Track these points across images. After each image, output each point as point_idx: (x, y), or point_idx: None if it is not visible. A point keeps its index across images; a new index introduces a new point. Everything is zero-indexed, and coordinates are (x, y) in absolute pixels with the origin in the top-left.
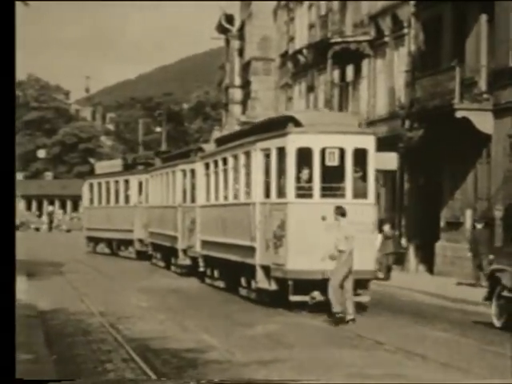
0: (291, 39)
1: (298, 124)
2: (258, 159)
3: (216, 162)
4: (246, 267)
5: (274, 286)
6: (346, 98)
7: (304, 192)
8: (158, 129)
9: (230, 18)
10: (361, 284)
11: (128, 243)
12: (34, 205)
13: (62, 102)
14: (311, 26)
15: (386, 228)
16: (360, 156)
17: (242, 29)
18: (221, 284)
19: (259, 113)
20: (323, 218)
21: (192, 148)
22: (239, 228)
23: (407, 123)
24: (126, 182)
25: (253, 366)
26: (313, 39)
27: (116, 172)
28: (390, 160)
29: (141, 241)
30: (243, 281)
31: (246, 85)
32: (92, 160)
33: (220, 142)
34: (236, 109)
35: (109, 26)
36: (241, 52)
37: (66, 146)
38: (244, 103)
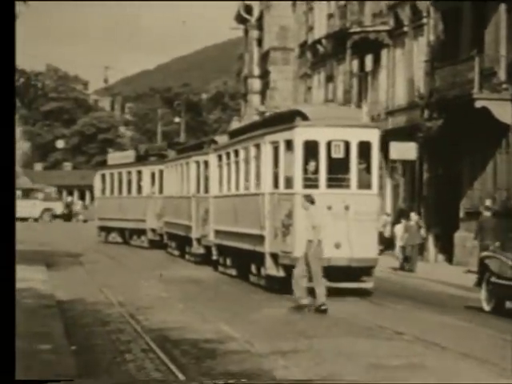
0: (310, 29)
1: (305, 118)
2: (267, 151)
3: (228, 154)
4: (256, 255)
5: (282, 273)
6: (364, 88)
7: (311, 183)
8: (177, 119)
9: (248, 8)
10: (364, 271)
11: (140, 232)
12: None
13: (80, 93)
14: (330, 16)
15: (414, 217)
16: (364, 148)
17: (260, 19)
18: (233, 272)
19: (278, 103)
20: (329, 208)
21: (205, 140)
22: (250, 217)
23: (426, 113)
24: (139, 172)
25: (272, 357)
26: (332, 29)
27: (128, 163)
28: (409, 150)
29: (153, 230)
30: (253, 268)
31: (264, 75)
32: (111, 150)
33: (232, 134)
34: (255, 99)
35: (127, 15)
36: (259, 42)
37: (84, 136)
38: (263, 93)
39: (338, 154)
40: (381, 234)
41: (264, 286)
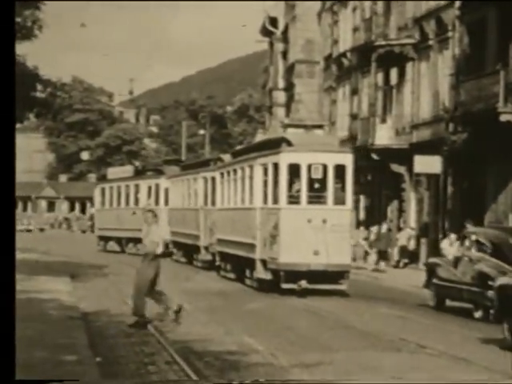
0: (335, 42)
1: (289, 144)
2: (258, 172)
3: (229, 172)
4: (249, 261)
5: (269, 276)
6: (389, 102)
7: (294, 199)
8: (202, 131)
9: (274, 21)
10: (339, 275)
11: (136, 241)
12: (78, 207)
13: (105, 104)
14: (355, 29)
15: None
16: (340, 170)
17: (286, 31)
18: (231, 275)
19: (303, 116)
20: (309, 221)
21: (212, 158)
22: (244, 228)
23: (451, 127)
24: (136, 186)
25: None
26: (357, 42)
27: (127, 177)
28: (434, 164)
29: None
30: (248, 272)
31: (289, 87)
32: (136, 162)
33: (235, 154)
34: (280, 111)
35: (153, 28)
36: (285, 55)
37: (109, 148)
38: (288, 106)
39: (317, 174)
40: (405, 248)
41: (255, 288)
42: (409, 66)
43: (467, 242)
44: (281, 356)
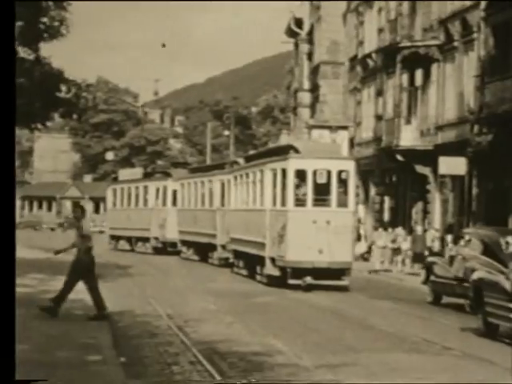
0: (360, 43)
1: (297, 151)
2: (268, 176)
3: (241, 176)
4: (260, 258)
5: (277, 273)
6: (414, 103)
7: (300, 202)
8: (226, 132)
9: (299, 22)
10: (341, 272)
11: (145, 240)
12: (102, 207)
13: (130, 105)
14: (380, 30)
15: None
16: (343, 176)
17: (311, 32)
18: (244, 272)
19: (328, 117)
20: (314, 222)
21: (227, 161)
22: (256, 228)
23: (476, 128)
24: (145, 187)
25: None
26: (382, 43)
27: (136, 179)
28: (459, 165)
29: (156, 238)
30: (258, 269)
31: (314, 88)
32: (160, 162)
33: (247, 159)
34: (305, 112)
35: (179, 28)
36: (310, 56)
37: (134, 148)
38: (313, 107)
39: (322, 179)
40: (430, 250)
41: (265, 283)
42: (434, 68)
43: (462, 242)
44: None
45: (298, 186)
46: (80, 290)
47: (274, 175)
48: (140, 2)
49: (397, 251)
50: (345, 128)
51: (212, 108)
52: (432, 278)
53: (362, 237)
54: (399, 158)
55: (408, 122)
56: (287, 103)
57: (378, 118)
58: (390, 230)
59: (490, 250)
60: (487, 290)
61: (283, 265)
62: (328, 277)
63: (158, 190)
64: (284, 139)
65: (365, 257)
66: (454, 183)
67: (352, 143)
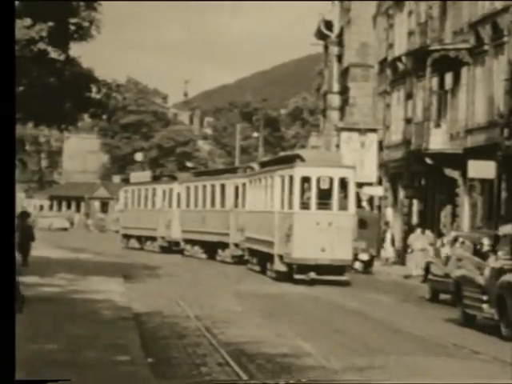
0: (390, 46)
1: (302, 160)
2: (277, 182)
3: (256, 181)
4: (270, 256)
5: (284, 268)
6: (444, 106)
7: (305, 205)
8: (255, 134)
9: (329, 24)
10: (342, 268)
11: (153, 239)
12: None
13: (160, 106)
14: (410, 33)
15: None
16: (343, 182)
17: (340, 35)
18: (257, 268)
19: (357, 119)
20: (317, 223)
21: (240, 166)
22: (266, 228)
23: (506, 132)
24: (154, 190)
25: None
26: (412, 46)
27: (146, 181)
28: (488, 169)
29: (162, 237)
30: (268, 265)
31: (344, 91)
32: (189, 164)
33: (262, 165)
34: (334, 115)
35: (209, 30)
36: (339, 58)
37: (163, 149)
38: (342, 109)
39: (325, 185)
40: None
41: (274, 278)
42: (464, 71)
43: (457, 244)
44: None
45: (303, 191)
46: (108, 291)
47: (283, 181)
48: (171, 4)
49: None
50: (374, 131)
51: (241, 110)
52: (430, 276)
53: (388, 240)
54: (428, 161)
55: (437, 125)
56: (316, 105)
57: (408, 121)
58: (427, 231)
59: (476, 251)
60: (466, 285)
61: (290, 261)
62: (330, 272)
63: (164, 193)
64: (313, 141)
65: (393, 261)
66: (483, 187)
67: (381, 146)
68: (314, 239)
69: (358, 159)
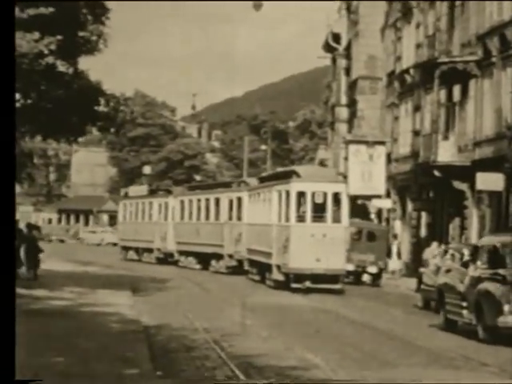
0: (398, 58)
1: (298, 175)
2: (274, 196)
3: (255, 195)
4: (268, 266)
5: (282, 278)
6: (452, 119)
7: (301, 218)
8: (264, 146)
9: (336, 37)
10: (336, 277)
11: (150, 251)
12: None
13: (168, 119)
14: (418, 46)
15: None
16: (337, 196)
17: (348, 48)
18: (256, 277)
19: (365, 132)
20: (312, 235)
21: (234, 181)
22: (265, 240)
23: None
24: (150, 203)
25: None
26: (420, 59)
27: (143, 195)
28: (496, 181)
29: (158, 249)
30: (267, 275)
31: (352, 103)
32: (197, 177)
33: (261, 180)
34: (342, 127)
35: (216, 43)
36: (347, 71)
37: (171, 162)
38: (350, 122)
39: (319, 200)
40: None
41: (272, 286)
42: (472, 83)
43: (447, 255)
44: None
45: (299, 205)
46: (117, 304)
47: (280, 195)
48: (178, 16)
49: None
50: (382, 143)
51: (249, 122)
52: (422, 286)
53: (394, 254)
54: (436, 173)
55: (445, 137)
56: (325, 118)
57: (416, 133)
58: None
59: (462, 261)
60: (448, 292)
61: (287, 271)
62: (324, 281)
63: (160, 206)
64: (321, 154)
65: (402, 273)
66: (492, 199)
67: (389, 158)
68: (309, 250)
69: (366, 172)
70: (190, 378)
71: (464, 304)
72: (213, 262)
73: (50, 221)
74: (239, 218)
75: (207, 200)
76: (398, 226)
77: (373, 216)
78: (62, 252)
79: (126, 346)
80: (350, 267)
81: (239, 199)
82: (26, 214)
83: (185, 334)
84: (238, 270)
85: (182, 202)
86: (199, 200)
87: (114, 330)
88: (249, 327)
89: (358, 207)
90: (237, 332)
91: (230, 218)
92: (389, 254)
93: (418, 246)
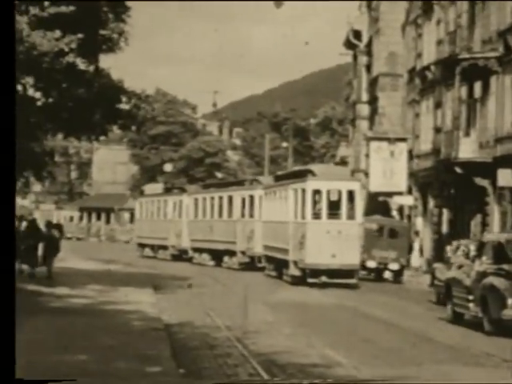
0: (419, 55)
1: (313, 174)
2: (290, 194)
3: (271, 193)
4: (285, 262)
5: (299, 273)
6: (473, 115)
7: (316, 215)
8: (285, 144)
9: (357, 34)
10: (350, 272)
11: (165, 248)
12: None
13: (189, 117)
14: (439, 42)
15: None
16: (351, 194)
17: (369, 45)
18: (273, 273)
19: (386, 129)
20: (328, 232)
21: (247, 179)
22: (282, 237)
23: None
24: (165, 201)
25: None
26: (441, 55)
27: (158, 193)
28: None
29: (173, 246)
30: (284, 270)
31: (373, 100)
32: (219, 174)
33: (277, 178)
34: (363, 124)
35: (237, 40)
36: (368, 68)
37: (192, 160)
38: (371, 119)
39: (334, 197)
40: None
41: (289, 281)
42: (493, 80)
43: (459, 252)
44: None
45: (314, 203)
46: (139, 301)
47: (296, 193)
48: (199, 14)
49: None
50: (403, 140)
51: (270, 120)
52: (435, 281)
53: (417, 251)
54: (458, 170)
55: (467, 134)
56: (346, 115)
57: (437, 130)
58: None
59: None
60: (455, 286)
61: (303, 266)
62: (339, 276)
63: (175, 204)
64: (342, 151)
65: (424, 270)
66: None
67: (410, 155)
68: (325, 246)
69: (387, 169)
70: (212, 375)
71: (470, 297)
72: (225, 259)
73: (71, 219)
74: (251, 216)
75: (220, 198)
76: (419, 222)
77: (394, 213)
78: (84, 250)
79: (148, 344)
80: (372, 264)
81: (251, 197)
82: (47, 212)
83: (207, 332)
84: (250, 266)
85: (196, 200)
86: (212, 198)
87: (135, 327)
88: (271, 324)
89: (380, 204)
90: (259, 329)
91: (243, 216)
92: (411, 251)
93: (440, 243)
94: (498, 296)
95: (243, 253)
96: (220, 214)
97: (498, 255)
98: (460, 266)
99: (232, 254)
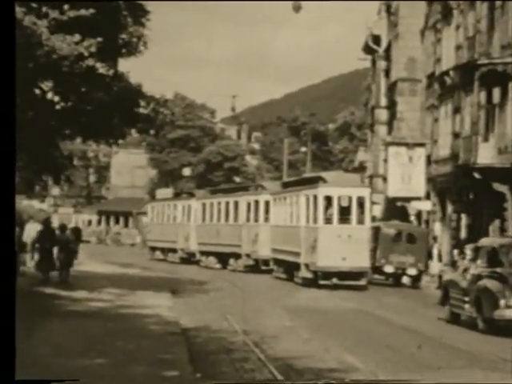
0: (438, 60)
1: (324, 181)
2: (302, 200)
3: (281, 199)
4: (296, 264)
5: (310, 275)
6: (492, 120)
7: (328, 220)
8: (303, 149)
9: (376, 39)
10: (360, 274)
11: (174, 251)
12: None
13: (207, 121)
14: (458, 47)
15: None
16: (360, 200)
17: (388, 49)
18: (283, 276)
19: (405, 134)
20: (338, 236)
21: (252, 184)
22: (293, 240)
23: None
24: (175, 205)
25: None
26: (460, 60)
27: (168, 198)
28: None
29: (182, 249)
30: (295, 273)
31: (391, 105)
32: (237, 179)
33: (285, 185)
34: (382, 129)
35: (256, 45)
36: (387, 73)
37: (210, 164)
38: (390, 124)
39: (345, 203)
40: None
41: (300, 284)
42: (511, 85)
43: (467, 255)
44: None
45: (326, 208)
46: (156, 305)
47: (307, 199)
48: (218, 18)
49: None
50: (422, 145)
51: (289, 124)
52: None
53: (435, 256)
54: (476, 175)
55: (485, 139)
56: (364, 120)
57: (456, 135)
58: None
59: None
60: (452, 288)
61: (315, 269)
62: (350, 278)
63: (184, 208)
64: (361, 156)
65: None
66: None
67: (429, 160)
68: (336, 249)
69: (405, 174)
70: (229, 380)
71: (466, 299)
72: (231, 261)
73: (89, 222)
74: (256, 220)
75: (227, 203)
76: (437, 228)
77: (412, 218)
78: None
79: (166, 348)
80: (390, 269)
81: (256, 202)
82: (65, 215)
83: (224, 336)
84: (254, 268)
85: (204, 205)
86: (219, 203)
87: (153, 331)
88: (288, 329)
89: (398, 209)
90: (276, 334)
91: (248, 220)
92: (430, 257)
93: (458, 248)
94: (491, 297)
95: (248, 256)
96: (226, 219)
97: (492, 259)
98: (465, 270)
99: (237, 256)
